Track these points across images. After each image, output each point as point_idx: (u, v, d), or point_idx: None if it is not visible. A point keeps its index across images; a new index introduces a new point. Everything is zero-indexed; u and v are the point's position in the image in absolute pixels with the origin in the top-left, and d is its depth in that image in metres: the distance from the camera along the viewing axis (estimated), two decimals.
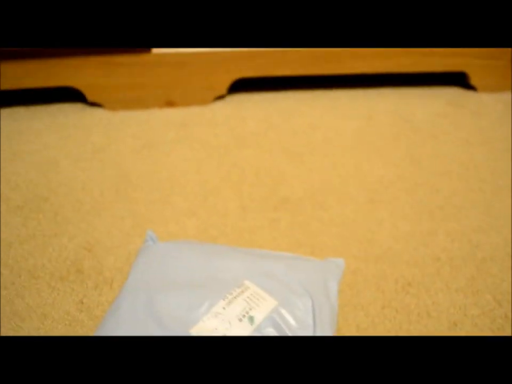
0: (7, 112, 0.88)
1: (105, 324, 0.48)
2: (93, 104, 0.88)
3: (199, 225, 0.64)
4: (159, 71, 0.86)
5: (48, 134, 0.83)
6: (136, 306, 0.48)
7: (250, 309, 0.47)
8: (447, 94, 0.97)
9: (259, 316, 0.47)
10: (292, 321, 0.46)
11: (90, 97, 0.87)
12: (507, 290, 0.56)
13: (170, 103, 0.88)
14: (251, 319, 0.47)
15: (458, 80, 1.00)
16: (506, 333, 0.51)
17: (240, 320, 0.46)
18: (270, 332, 0.46)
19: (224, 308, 0.47)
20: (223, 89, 0.90)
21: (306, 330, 0.46)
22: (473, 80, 0.97)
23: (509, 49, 0.94)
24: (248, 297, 0.48)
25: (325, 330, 0.47)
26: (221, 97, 0.91)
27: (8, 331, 0.50)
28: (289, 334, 0.45)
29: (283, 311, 0.47)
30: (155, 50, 0.84)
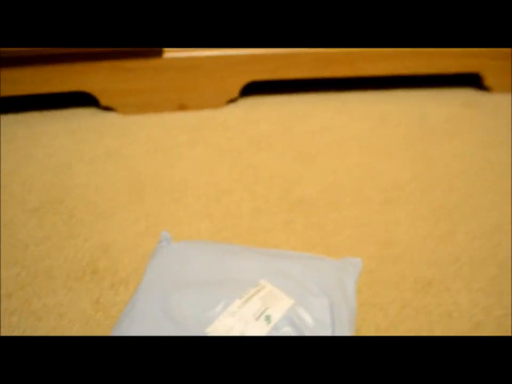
0: (22, 117, 0.89)
1: (121, 324, 0.47)
2: (106, 109, 0.89)
3: (212, 227, 0.64)
4: (171, 75, 0.86)
5: (62, 138, 0.84)
6: (152, 306, 0.47)
7: (267, 308, 0.46)
8: (461, 95, 0.96)
9: (276, 315, 0.46)
10: (309, 320, 0.45)
11: (103, 101, 0.87)
12: None
13: (182, 107, 0.89)
14: (268, 318, 0.46)
15: (473, 81, 0.99)
16: None
17: (257, 319, 0.46)
18: (287, 331, 0.45)
19: (240, 307, 0.47)
20: (235, 92, 0.90)
21: (325, 330, 0.45)
22: (488, 81, 0.96)
23: None
24: (264, 296, 0.48)
25: (344, 329, 0.46)
26: (233, 100, 0.91)
27: (25, 331, 0.50)
28: (307, 333, 0.44)
29: (300, 310, 0.46)
30: (166, 54, 0.85)
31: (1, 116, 0.89)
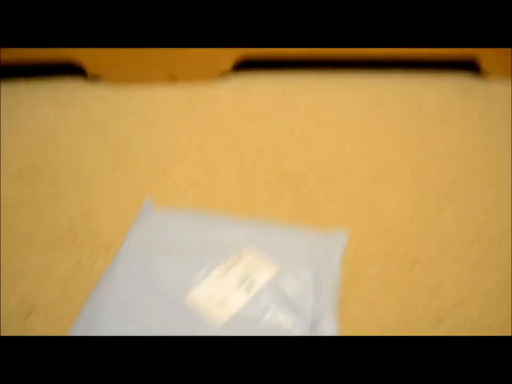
0: (7, 85, 0.86)
1: (99, 288, 0.46)
2: (94, 79, 0.87)
3: (199, 196, 0.62)
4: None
5: (48, 108, 0.81)
6: (132, 271, 0.46)
7: (248, 277, 0.45)
8: (457, 78, 0.95)
9: (257, 284, 0.45)
10: (290, 290, 0.45)
11: (91, 70, 0.85)
12: None
13: (172, 78, 0.86)
14: (249, 286, 0.45)
15: (469, 65, 0.97)
16: None
17: (238, 287, 0.45)
18: (268, 300, 0.44)
19: (221, 275, 0.46)
20: (227, 66, 0.88)
21: (307, 299, 0.44)
22: (485, 65, 0.94)
23: None
24: (246, 264, 0.46)
25: (326, 300, 0.45)
26: (225, 74, 0.89)
27: (1, 292, 0.48)
28: (287, 303, 0.43)
29: (282, 280, 0.45)
30: None
31: None
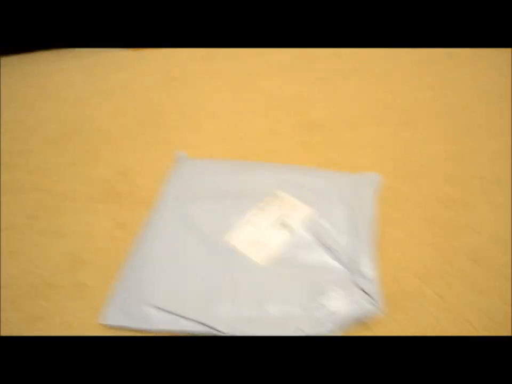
0: (35, 56, 0.87)
1: (144, 235, 0.48)
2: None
3: (228, 149, 0.63)
4: None
5: (75, 74, 0.82)
6: (172, 217, 0.48)
7: (284, 217, 0.46)
8: None
9: (294, 222, 0.46)
10: (327, 226, 0.45)
11: None
12: None
13: None
14: (285, 225, 0.46)
15: None
16: None
17: (274, 226, 0.46)
18: (306, 237, 0.45)
19: (257, 215, 0.47)
20: None
21: (342, 236, 0.45)
22: None
23: None
24: (281, 205, 0.47)
25: (363, 238, 0.45)
26: None
27: (48, 247, 0.51)
28: (326, 239, 0.44)
29: (318, 218, 0.46)
30: None
31: (16, 55, 0.88)
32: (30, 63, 0.85)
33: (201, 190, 0.50)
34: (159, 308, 0.41)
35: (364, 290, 0.41)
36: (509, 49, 0.84)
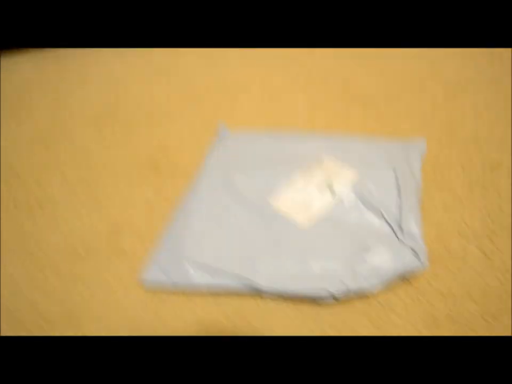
0: (71, 50, 0.90)
1: (185, 203, 0.48)
2: None
3: (269, 123, 0.63)
4: None
5: (113, 62, 0.85)
6: (214, 184, 0.48)
7: (330, 181, 0.46)
8: None
9: (339, 186, 0.45)
10: (374, 189, 0.45)
11: None
12: None
13: None
14: (331, 189, 0.45)
15: None
16: None
17: (320, 190, 0.45)
18: (353, 201, 0.44)
19: (303, 182, 0.46)
20: None
21: (390, 199, 0.44)
22: None
23: None
24: (327, 170, 0.47)
25: (409, 202, 0.45)
26: None
27: (88, 218, 0.52)
28: (372, 200, 0.44)
29: (364, 181, 0.45)
30: None
31: (58, 49, 0.91)
32: (68, 56, 0.88)
33: (244, 159, 0.50)
34: (199, 263, 0.41)
35: (408, 247, 0.40)
36: None
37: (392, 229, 0.42)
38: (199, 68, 0.78)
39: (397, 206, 0.43)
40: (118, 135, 0.65)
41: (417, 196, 0.46)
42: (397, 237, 0.41)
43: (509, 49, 0.73)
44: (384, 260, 0.39)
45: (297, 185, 0.46)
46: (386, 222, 0.42)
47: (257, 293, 0.40)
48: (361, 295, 0.40)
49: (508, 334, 0.37)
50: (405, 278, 0.41)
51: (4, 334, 0.42)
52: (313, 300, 0.39)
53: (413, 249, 0.40)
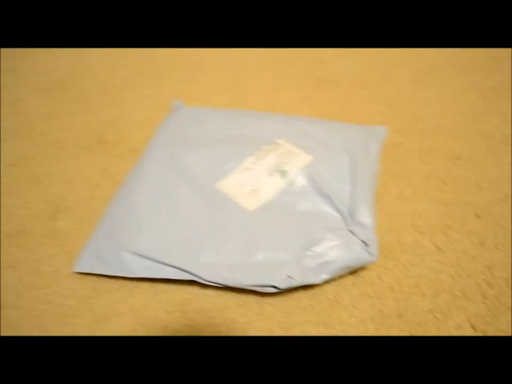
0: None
1: (128, 182, 0.45)
2: None
3: (230, 101, 0.60)
4: None
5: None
6: (160, 161, 0.45)
7: (282, 164, 0.43)
8: None
9: (292, 170, 0.43)
10: (327, 174, 0.42)
11: None
12: None
13: None
14: (283, 173, 0.43)
15: None
16: None
17: (271, 174, 0.43)
18: (303, 184, 0.42)
19: (253, 163, 0.44)
20: None
21: (342, 184, 0.42)
22: None
23: None
24: (280, 153, 0.44)
25: (363, 189, 0.42)
26: None
27: (26, 196, 0.48)
28: (324, 186, 0.41)
29: (318, 166, 0.43)
30: None
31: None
32: None
33: (195, 135, 0.47)
34: (138, 255, 0.38)
35: (359, 238, 0.38)
36: None
37: (343, 218, 0.40)
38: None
39: (349, 194, 0.41)
40: (67, 107, 0.61)
41: (373, 184, 0.44)
42: (347, 228, 0.39)
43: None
44: (333, 251, 0.37)
45: (249, 169, 0.43)
46: (338, 210, 0.40)
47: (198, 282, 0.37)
48: (306, 286, 0.38)
49: (457, 332, 0.36)
50: (354, 271, 0.39)
51: None
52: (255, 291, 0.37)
53: (363, 241, 0.38)
